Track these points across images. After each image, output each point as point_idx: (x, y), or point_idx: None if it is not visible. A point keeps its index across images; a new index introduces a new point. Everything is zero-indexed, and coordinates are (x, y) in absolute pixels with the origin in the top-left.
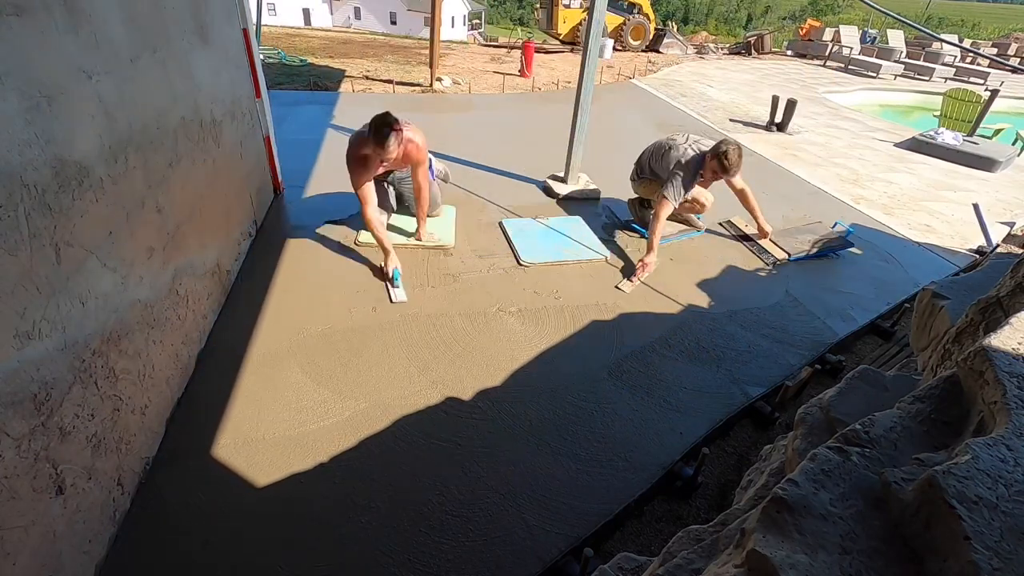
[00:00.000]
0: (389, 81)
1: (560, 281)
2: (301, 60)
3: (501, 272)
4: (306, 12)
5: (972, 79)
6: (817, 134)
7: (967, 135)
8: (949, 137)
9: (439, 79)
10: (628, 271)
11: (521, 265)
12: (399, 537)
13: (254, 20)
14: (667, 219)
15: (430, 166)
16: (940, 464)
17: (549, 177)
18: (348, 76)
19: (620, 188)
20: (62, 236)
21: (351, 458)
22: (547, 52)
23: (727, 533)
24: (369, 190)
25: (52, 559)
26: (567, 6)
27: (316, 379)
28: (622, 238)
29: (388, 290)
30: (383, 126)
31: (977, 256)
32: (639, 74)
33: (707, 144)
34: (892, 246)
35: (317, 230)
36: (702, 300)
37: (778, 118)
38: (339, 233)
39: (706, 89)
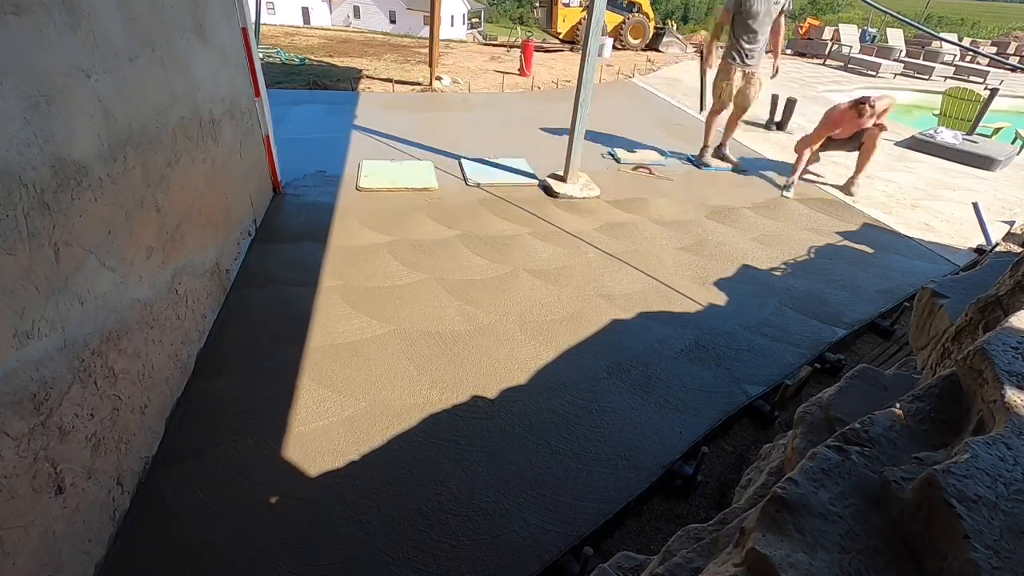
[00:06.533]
0: (389, 80)
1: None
2: (300, 59)
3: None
4: (305, 11)
5: (971, 78)
6: None
7: (967, 134)
8: (949, 136)
9: (439, 78)
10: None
11: (468, 185)
12: (399, 536)
13: (253, 19)
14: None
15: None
16: (939, 463)
17: (549, 176)
18: (348, 75)
19: (619, 187)
20: (61, 236)
21: (351, 457)
22: (547, 51)
23: (726, 532)
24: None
25: (52, 559)
26: (567, 5)
27: (316, 378)
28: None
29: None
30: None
31: (976, 255)
32: (639, 73)
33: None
34: (891, 245)
35: (316, 229)
36: (702, 298)
37: (778, 117)
38: (338, 232)
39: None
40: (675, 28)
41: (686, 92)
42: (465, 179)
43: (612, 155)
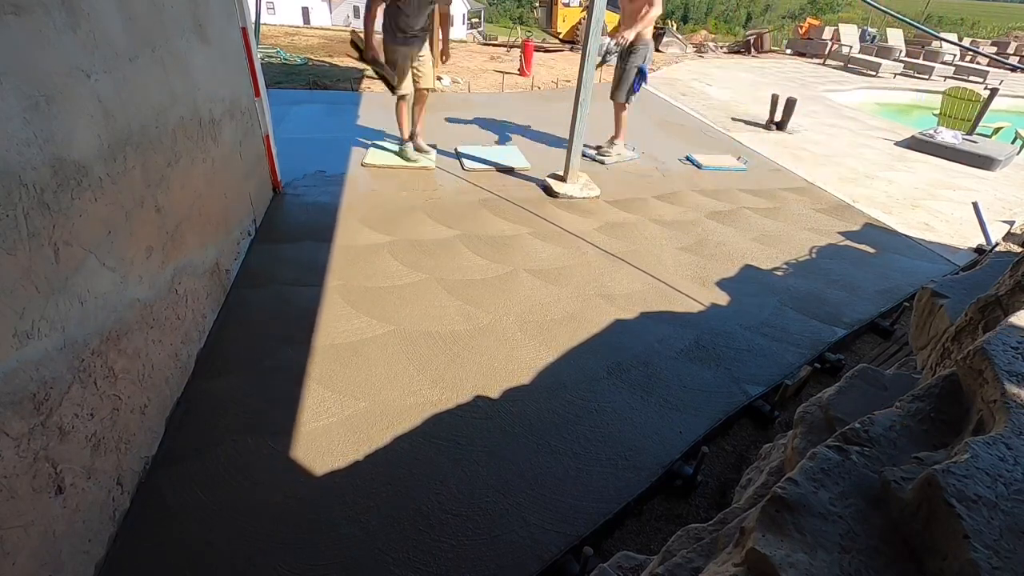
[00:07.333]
0: None
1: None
2: (302, 59)
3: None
4: (305, 11)
5: (971, 78)
6: (817, 133)
7: (966, 134)
8: (948, 136)
9: (438, 78)
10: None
11: (465, 170)
12: (399, 536)
13: (253, 19)
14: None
15: None
16: (939, 463)
17: (549, 176)
18: (347, 75)
19: (619, 187)
20: (61, 235)
21: (350, 457)
22: (546, 51)
23: (726, 532)
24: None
25: (52, 559)
26: (567, 5)
27: (315, 378)
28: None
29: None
30: None
31: (976, 255)
32: None
33: None
34: (891, 245)
35: (316, 229)
36: (702, 298)
37: (778, 117)
38: (338, 232)
39: (706, 88)
40: (675, 28)
41: (685, 92)
42: (462, 164)
43: (591, 156)
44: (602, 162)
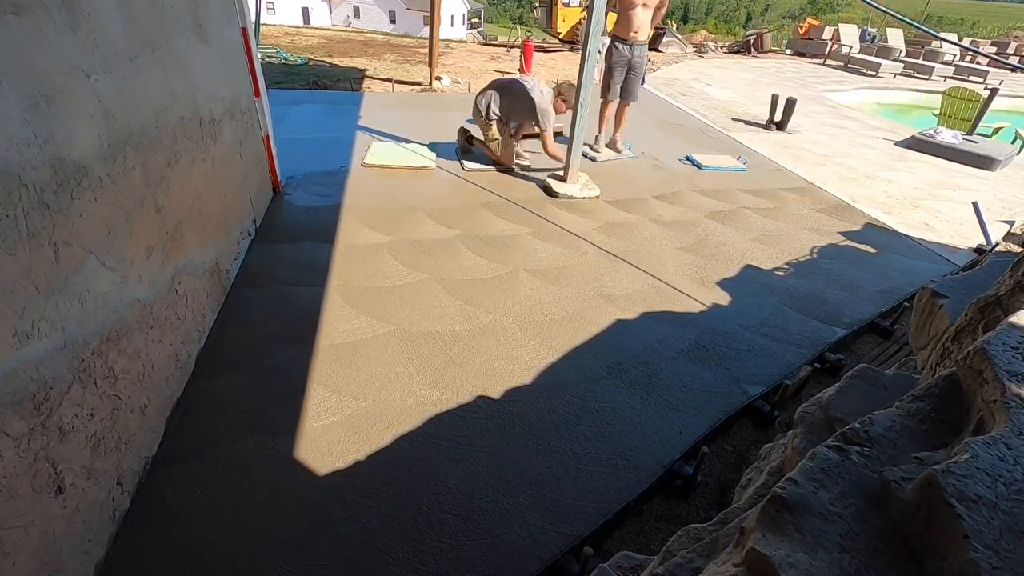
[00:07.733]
0: (389, 80)
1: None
2: (303, 59)
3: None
4: (305, 11)
5: (971, 78)
6: (817, 133)
7: (966, 134)
8: (948, 136)
9: (438, 78)
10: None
11: (465, 170)
12: (399, 536)
13: (253, 19)
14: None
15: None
16: (939, 463)
17: (549, 176)
18: (348, 75)
19: (620, 186)
20: (61, 235)
21: (350, 457)
22: (546, 51)
23: (726, 532)
24: None
25: (51, 559)
26: (567, 5)
27: (316, 378)
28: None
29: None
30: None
31: (976, 255)
32: None
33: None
34: (891, 245)
35: (316, 229)
36: (702, 298)
37: (778, 117)
38: (339, 232)
39: (706, 88)
40: (675, 28)
41: (685, 92)
42: (462, 164)
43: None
44: (593, 159)
